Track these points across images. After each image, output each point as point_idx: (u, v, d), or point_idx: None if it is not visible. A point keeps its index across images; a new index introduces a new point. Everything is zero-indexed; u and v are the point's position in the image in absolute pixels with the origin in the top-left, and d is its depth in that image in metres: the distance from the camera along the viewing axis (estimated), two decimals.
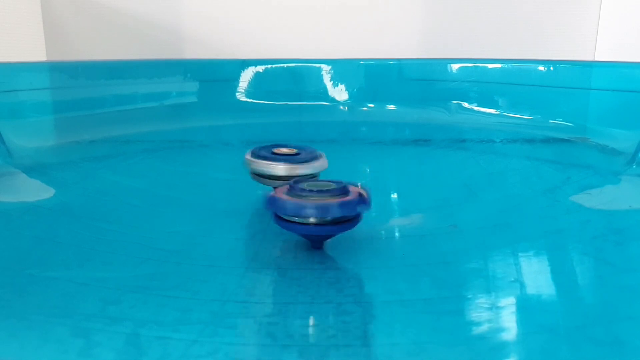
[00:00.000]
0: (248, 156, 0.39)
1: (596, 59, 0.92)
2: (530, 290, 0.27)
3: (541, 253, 0.32)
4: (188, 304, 0.25)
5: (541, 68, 0.76)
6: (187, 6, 0.95)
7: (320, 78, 0.85)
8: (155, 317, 0.23)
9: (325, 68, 0.85)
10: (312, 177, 0.38)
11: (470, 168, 0.56)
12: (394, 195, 0.47)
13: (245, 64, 0.85)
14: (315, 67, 0.85)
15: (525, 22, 0.94)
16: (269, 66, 0.86)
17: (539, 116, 0.75)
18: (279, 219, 0.30)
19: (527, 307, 0.25)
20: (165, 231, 0.36)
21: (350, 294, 0.26)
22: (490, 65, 0.81)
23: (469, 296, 0.26)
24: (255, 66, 0.85)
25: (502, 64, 0.81)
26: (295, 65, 0.86)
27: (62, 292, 0.26)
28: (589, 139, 0.66)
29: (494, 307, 0.25)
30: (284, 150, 0.39)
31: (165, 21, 0.95)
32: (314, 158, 0.39)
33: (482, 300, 0.26)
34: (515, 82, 0.79)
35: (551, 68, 0.76)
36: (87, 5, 0.95)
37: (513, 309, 0.25)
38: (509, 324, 0.24)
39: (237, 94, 0.84)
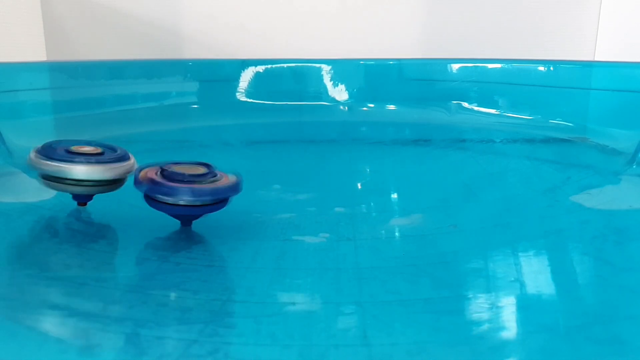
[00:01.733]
0: (34, 155, 0.33)
1: (596, 59, 0.92)
2: (530, 290, 0.27)
3: (541, 253, 0.32)
4: (188, 304, 0.25)
5: (541, 68, 0.76)
6: (187, 6, 0.95)
7: (320, 78, 0.85)
8: (155, 317, 0.23)
9: (325, 68, 0.85)
10: (117, 182, 0.34)
11: (470, 168, 0.56)
12: (394, 195, 0.47)
13: (245, 64, 0.85)
14: (315, 67, 0.85)
15: (525, 22, 0.94)
16: (269, 66, 0.86)
17: (539, 116, 0.75)
18: (151, 199, 0.33)
19: (527, 307, 0.25)
20: (165, 231, 0.36)
21: (350, 294, 0.26)
22: (490, 65, 0.81)
23: (469, 296, 0.26)
24: (255, 66, 0.85)
25: (502, 64, 0.81)
26: (296, 65, 0.86)
27: (62, 292, 0.26)
28: (589, 139, 0.66)
29: (494, 307, 0.25)
30: (86, 148, 0.33)
31: (165, 21, 0.95)
32: (120, 159, 0.34)
33: (482, 300, 0.26)
34: (515, 82, 0.79)
35: (551, 68, 0.76)
36: (87, 5, 0.95)
37: (513, 308, 0.25)
38: (508, 323, 0.24)
39: (237, 94, 0.84)
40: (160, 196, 0.32)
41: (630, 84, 0.68)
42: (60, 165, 0.32)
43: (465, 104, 0.80)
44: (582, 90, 0.74)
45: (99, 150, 0.34)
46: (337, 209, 0.40)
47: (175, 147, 0.67)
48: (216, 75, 0.87)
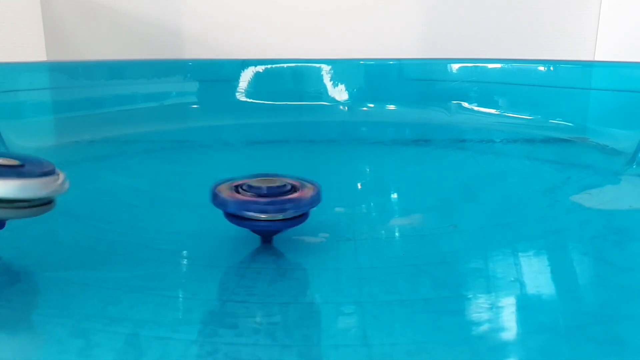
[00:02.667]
0: None
1: (596, 59, 0.92)
2: (530, 290, 0.27)
3: (541, 253, 0.32)
4: (188, 304, 0.25)
5: (541, 68, 0.76)
6: (187, 6, 0.95)
7: (320, 78, 0.85)
8: (154, 317, 0.23)
9: (325, 68, 0.85)
10: (39, 203, 0.27)
11: (470, 168, 0.56)
12: (394, 195, 0.47)
13: (245, 64, 0.85)
14: (315, 67, 0.85)
15: (525, 22, 0.94)
16: (269, 66, 0.86)
17: (539, 116, 0.75)
18: (237, 217, 0.31)
19: (527, 307, 0.25)
20: (165, 231, 0.36)
21: (350, 294, 0.26)
22: (490, 65, 0.81)
23: (469, 296, 0.26)
24: (255, 66, 0.85)
25: (502, 64, 0.81)
26: (295, 65, 0.86)
27: (61, 292, 0.26)
28: (589, 139, 0.66)
29: (494, 307, 0.25)
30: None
31: (165, 21, 0.95)
32: (44, 174, 0.27)
33: (482, 300, 0.26)
34: (515, 82, 0.78)
35: (551, 68, 0.76)
36: (87, 5, 0.95)
37: (513, 308, 0.25)
38: (508, 323, 0.24)
39: (237, 94, 0.84)
40: (251, 213, 0.30)
41: (630, 84, 0.68)
42: None
43: (465, 104, 0.80)
44: (582, 90, 0.74)
45: (16, 162, 0.27)
46: (337, 209, 0.40)
47: (175, 147, 0.67)
48: (216, 75, 0.86)
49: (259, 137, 0.72)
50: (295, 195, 0.31)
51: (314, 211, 0.41)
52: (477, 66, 0.82)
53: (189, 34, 0.95)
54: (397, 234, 0.37)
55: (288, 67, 0.86)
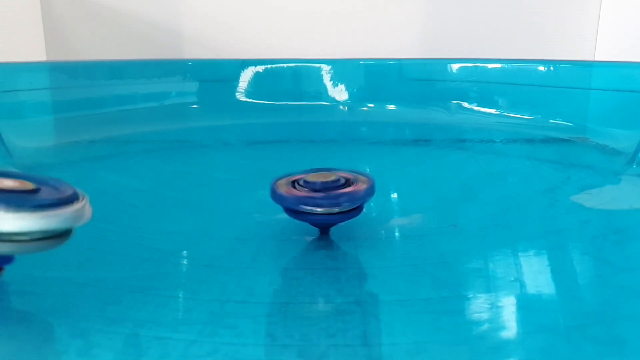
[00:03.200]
0: None
1: (596, 59, 0.92)
2: (530, 290, 0.27)
3: (541, 253, 0.32)
4: (188, 304, 0.25)
5: (541, 68, 0.76)
6: (187, 6, 0.95)
7: (320, 78, 0.85)
8: (154, 317, 0.23)
9: (325, 68, 0.85)
10: (54, 236, 0.23)
11: (470, 168, 0.56)
12: (394, 195, 0.47)
13: (245, 64, 0.85)
14: (315, 67, 0.85)
15: (525, 22, 0.94)
16: (269, 66, 0.86)
17: (539, 116, 0.75)
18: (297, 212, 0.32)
19: (527, 307, 0.25)
20: (165, 231, 0.36)
21: (350, 294, 0.26)
22: (490, 65, 0.81)
23: (469, 296, 0.26)
24: (255, 66, 0.85)
25: (502, 64, 0.81)
26: (295, 65, 0.86)
27: (61, 292, 0.26)
28: (589, 139, 0.66)
29: (494, 307, 0.25)
30: (7, 183, 0.23)
31: (165, 21, 0.95)
32: (62, 202, 0.23)
33: (482, 300, 0.26)
34: (515, 82, 0.78)
35: (551, 68, 0.76)
36: (87, 5, 0.95)
37: (513, 308, 0.25)
38: (508, 323, 0.24)
39: (237, 94, 0.84)
40: (308, 207, 0.31)
41: (630, 84, 0.68)
42: None
43: (465, 104, 0.80)
44: (582, 90, 0.74)
45: (30, 186, 0.23)
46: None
47: (175, 147, 0.67)
48: (216, 75, 0.86)
49: (259, 137, 0.72)
50: (349, 189, 0.32)
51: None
52: (477, 66, 0.82)
53: (189, 34, 0.95)
54: (397, 234, 0.37)
55: (288, 67, 0.86)
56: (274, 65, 0.86)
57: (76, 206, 0.23)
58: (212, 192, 0.46)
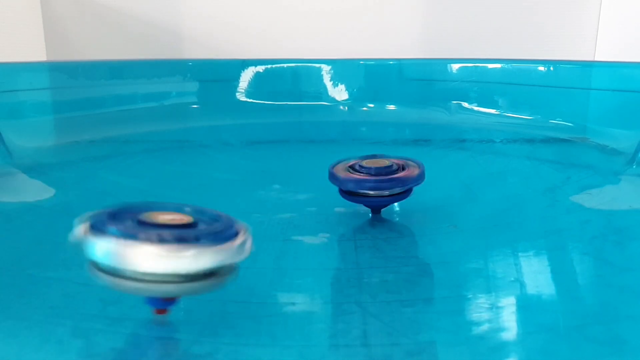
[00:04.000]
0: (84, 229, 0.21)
1: (596, 59, 0.92)
2: (530, 290, 0.27)
3: (541, 253, 0.32)
4: (188, 304, 0.25)
5: (541, 68, 0.76)
6: (187, 6, 0.95)
7: (320, 78, 0.85)
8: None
9: (325, 68, 0.85)
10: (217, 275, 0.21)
11: (470, 168, 0.56)
12: None
13: (245, 64, 0.85)
14: (315, 67, 0.85)
15: (525, 22, 0.94)
16: (269, 66, 0.86)
17: (539, 116, 0.75)
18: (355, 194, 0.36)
19: (527, 307, 0.25)
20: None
21: (350, 294, 0.26)
22: (490, 65, 0.81)
23: (469, 296, 0.26)
24: (255, 66, 0.85)
25: (502, 64, 0.81)
26: (295, 65, 0.86)
27: (62, 292, 0.26)
28: (589, 139, 0.66)
29: (494, 307, 0.25)
30: (168, 216, 0.21)
31: (165, 21, 0.95)
32: (229, 235, 0.21)
33: (482, 300, 0.26)
34: (515, 82, 0.78)
35: (551, 68, 0.76)
36: (87, 5, 0.95)
37: (513, 308, 0.25)
38: (509, 323, 0.24)
39: (237, 94, 0.84)
40: (368, 192, 0.36)
41: (630, 84, 0.68)
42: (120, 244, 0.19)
43: (465, 104, 0.80)
44: (582, 90, 0.74)
45: (189, 219, 0.21)
46: (337, 209, 0.40)
47: (175, 147, 0.67)
48: (216, 75, 0.86)
49: (259, 137, 0.72)
50: (401, 174, 0.36)
51: (312, 211, 0.41)
52: (477, 66, 0.82)
53: (189, 34, 0.95)
54: (397, 234, 0.37)
55: (288, 67, 0.86)
56: (274, 65, 0.86)
57: (239, 239, 0.21)
58: (212, 192, 0.46)
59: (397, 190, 0.36)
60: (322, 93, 0.84)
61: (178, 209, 0.22)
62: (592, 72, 0.75)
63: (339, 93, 0.84)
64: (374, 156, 0.37)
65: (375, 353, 0.21)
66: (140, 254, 0.19)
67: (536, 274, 0.29)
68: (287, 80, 0.86)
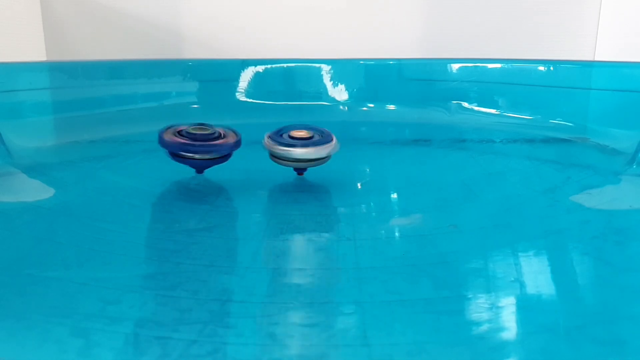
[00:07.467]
0: (267, 139, 0.45)
1: (596, 59, 0.92)
2: (530, 290, 0.27)
3: (541, 253, 0.32)
4: (188, 304, 0.25)
5: (541, 68, 0.76)
6: (187, 6, 0.95)
7: (320, 78, 0.85)
8: (155, 317, 0.23)
9: (325, 68, 0.85)
10: (326, 158, 0.44)
11: (470, 168, 0.56)
12: (394, 195, 0.47)
13: (245, 64, 0.85)
14: (315, 67, 0.85)
15: (525, 22, 0.94)
16: (269, 66, 0.86)
17: (539, 116, 0.75)
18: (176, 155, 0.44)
19: (527, 307, 0.25)
20: (165, 231, 0.36)
21: (350, 294, 0.26)
22: (490, 65, 0.81)
23: (469, 296, 0.26)
24: (255, 66, 0.85)
25: (502, 64, 0.81)
26: (295, 65, 0.86)
27: (61, 292, 0.26)
28: (589, 139, 0.66)
29: (494, 307, 0.25)
30: (301, 133, 0.45)
31: (165, 21, 0.95)
32: (327, 140, 0.44)
33: (482, 300, 0.26)
34: (515, 82, 0.79)
35: (551, 68, 0.76)
36: (87, 5, 0.95)
37: (513, 309, 0.25)
38: (509, 324, 0.24)
39: (237, 94, 0.84)
40: (184, 153, 0.43)
41: (630, 84, 0.68)
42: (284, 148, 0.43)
43: (465, 104, 0.80)
44: (582, 90, 0.74)
45: (311, 134, 0.44)
46: (337, 209, 0.40)
47: None
48: (216, 75, 0.87)
49: (259, 137, 0.72)
50: (220, 141, 0.43)
51: (313, 211, 0.41)
52: (477, 66, 0.82)
53: (189, 34, 0.95)
54: (397, 234, 0.37)
55: (288, 67, 0.86)
56: (274, 65, 0.86)
57: (331, 143, 0.43)
58: (212, 192, 0.46)
59: (215, 155, 0.44)
60: (322, 93, 0.84)
61: (305, 127, 0.45)
62: (592, 72, 0.75)
63: (339, 93, 0.84)
64: (201, 124, 0.44)
65: (375, 353, 0.21)
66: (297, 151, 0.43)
67: (536, 274, 0.29)
68: (287, 80, 0.86)
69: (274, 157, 0.44)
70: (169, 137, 0.42)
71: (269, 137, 0.45)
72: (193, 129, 0.43)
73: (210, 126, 0.44)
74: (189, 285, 0.27)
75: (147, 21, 0.95)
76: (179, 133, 0.43)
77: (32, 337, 0.22)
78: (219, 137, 0.44)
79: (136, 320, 0.23)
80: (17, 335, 0.22)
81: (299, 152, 0.43)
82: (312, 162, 0.44)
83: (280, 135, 0.45)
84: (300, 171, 0.46)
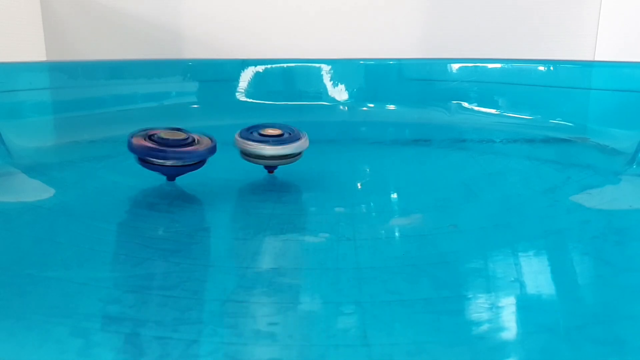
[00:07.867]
0: (237, 137, 0.44)
1: (596, 59, 0.92)
2: (530, 290, 0.27)
3: (541, 253, 0.32)
4: (188, 304, 0.25)
5: (541, 68, 0.76)
6: (187, 6, 0.95)
7: (320, 78, 0.85)
8: (155, 317, 0.23)
9: (325, 68, 0.85)
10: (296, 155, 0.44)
11: (470, 168, 0.56)
12: (394, 195, 0.47)
13: (245, 64, 0.85)
14: (315, 67, 0.85)
15: (525, 22, 0.94)
16: (269, 66, 0.86)
17: (539, 116, 0.75)
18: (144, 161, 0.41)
19: (527, 307, 0.25)
20: (165, 231, 0.36)
21: (350, 294, 0.26)
22: (490, 65, 0.81)
23: (469, 296, 0.26)
24: (255, 66, 0.85)
25: (502, 64, 0.81)
26: (295, 66, 0.86)
27: (61, 292, 0.26)
28: (589, 139, 0.66)
29: (494, 307, 0.25)
30: (271, 131, 0.44)
31: (165, 21, 0.95)
32: (296, 138, 0.44)
33: (482, 300, 0.26)
34: (515, 82, 0.79)
35: (551, 68, 0.76)
36: (87, 5, 0.95)
37: (513, 309, 0.25)
38: (508, 323, 0.24)
39: (237, 94, 0.84)
40: (153, 159, 0.40)
41: (630, 84, 0.68)
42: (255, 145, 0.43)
43: (465, 104, 0.80)
44: (582, 90, 0.74)
45: (280, 132, 0.44)
46: (337, 209, 0.40)
47: None
48: (216, 75, 0.87)
49: None
50: (193, 147, 0.41)
51: (312, 211, 0.41)
52: (477, 66, 0.82)
53: (189, 34, 0.95)
54: (397, 234, 0.37)
55: (288, 67, 0.86)
56: (273, 65, 0.86)
57: (304, 139, 0.44)
58: (212, 192, 0.46)
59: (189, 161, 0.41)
60: (322, 93, 0.84)
61: (274, 126, 0.45)
62: (592, 72, 0.75)
63: (339, 93, 0.84)
64: (176, 129, 0.42)
65: (375, 353, 0.21)
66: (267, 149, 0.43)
67: (536, 274, 0.29)
68: (287, 80, 0.86)
69: (245, 155, 0.44)
70: (138, 141, 0.40)
71: (240, 135, 0.44)
72: (166, 133, 0.41)
73: (186, 131, 0.42)
74: (189, 285, 0.27)
75: (147, 21, 0.95)
76: (150, 138, 0.41)
77: (32, 337, 0.22)
78: (192, 142, 0.41)
79: (136, 320, 0.23)
80: (17, 335, 0.22)
81: (269, 149, 0.43)
82: (283, 160, 0.44)
83: (250, 133, 0.45)
84: (270, 169, 0.46)
